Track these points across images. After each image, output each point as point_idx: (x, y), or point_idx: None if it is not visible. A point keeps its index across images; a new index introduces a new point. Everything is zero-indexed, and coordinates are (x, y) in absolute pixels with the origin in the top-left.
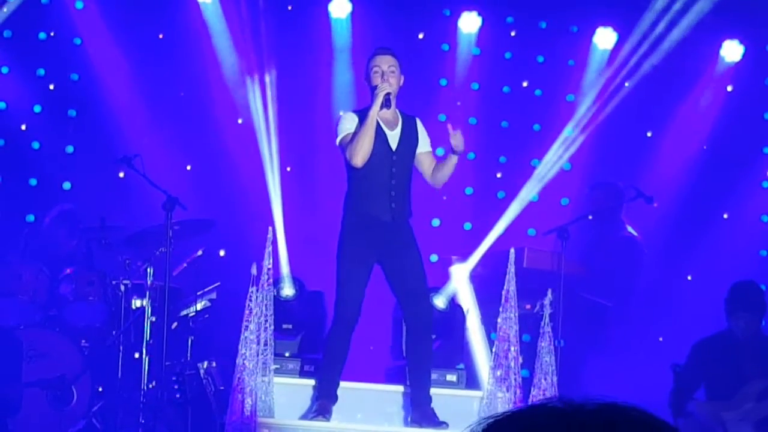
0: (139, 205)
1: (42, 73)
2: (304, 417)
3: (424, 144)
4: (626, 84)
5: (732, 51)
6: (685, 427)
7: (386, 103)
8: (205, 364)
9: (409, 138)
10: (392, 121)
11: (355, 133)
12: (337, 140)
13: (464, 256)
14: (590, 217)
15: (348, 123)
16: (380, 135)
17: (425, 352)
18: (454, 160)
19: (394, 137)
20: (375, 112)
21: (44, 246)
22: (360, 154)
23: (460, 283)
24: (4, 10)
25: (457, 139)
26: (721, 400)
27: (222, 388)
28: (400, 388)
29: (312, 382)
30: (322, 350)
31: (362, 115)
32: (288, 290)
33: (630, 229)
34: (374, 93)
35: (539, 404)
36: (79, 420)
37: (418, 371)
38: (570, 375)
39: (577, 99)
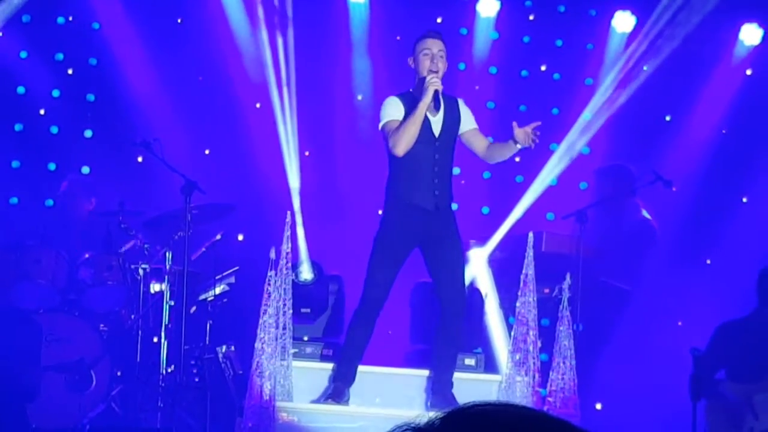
0: (157, 189)
1: (60, 58)
2: (316, 401)
3: (468, 122)
4: (645, 68)
5: (751, 34)
6: (714, 409)
7: (436, 105)
8: (224, 348)
9: (451, 122)
10: (435, 106)
11: (402, 122)
12: (380, 125)
13: (483, 241)
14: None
15: (392, 108)
16: (423, 121)
17: (455, 338)
18: (513, 148)
19: (437, 123)
20: (425, 105)
21: (62, 218)
22: (403, 145)
23: (478, 267)
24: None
25: (520, 135)
26: (749, 383)
27: (240, 372)
28: (419, 372)
29: (330, 365)
30: (346, 330)
31: (405, 100)
32: (306, 274)
33: (645, 212)
34: (424, 84)
35: None
36: (98, 404)
37: (444, 357)
38: (588, 359)
39: (595, 83)
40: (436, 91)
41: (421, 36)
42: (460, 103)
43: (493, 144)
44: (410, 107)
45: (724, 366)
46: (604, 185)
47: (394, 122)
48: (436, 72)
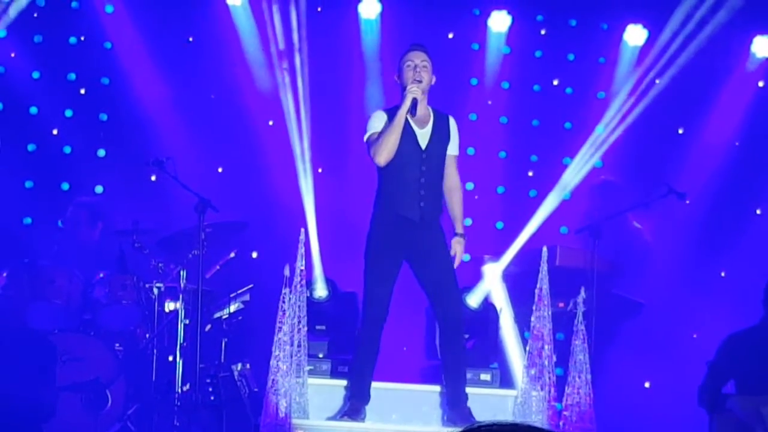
0: (171, 207)
1: (73, 78)
2: (332, 418)
3: (453, 146)
4: (657, 81)
5: (763, 46)
6: (723, 423)
7: (413, 111)
8: (239, 366)
9: (440, 136)
10: (422, 119)
11: (381, 132)
12: (365, 137)
13: (497, 255)
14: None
15: (376, 121)
16: (410, 133)
17: (458, 351)
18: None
19: (424, 135)
20: (403, 113)
21: (70, 243)
22: (383, 154)
23: (493, 282)
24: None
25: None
26: (758, 395)
27: (256, 389)
28: (435, 388)
29: (346, 382)
30: (353, 350)
31: (392, 113)
32: (321, 291)
33: (636, 223)
34: (404, 93)
35: None
36: (113, 423)
37: (453, 370)
38: (604, 373)
39: (608, 96)
40: (414, 100)
41: (405, 51)
42: (452, 123)
43: (457, 195)
44: None
45: (733, 377)
46: (596, 203)
47: (377, 134)
48: (420, 82)
